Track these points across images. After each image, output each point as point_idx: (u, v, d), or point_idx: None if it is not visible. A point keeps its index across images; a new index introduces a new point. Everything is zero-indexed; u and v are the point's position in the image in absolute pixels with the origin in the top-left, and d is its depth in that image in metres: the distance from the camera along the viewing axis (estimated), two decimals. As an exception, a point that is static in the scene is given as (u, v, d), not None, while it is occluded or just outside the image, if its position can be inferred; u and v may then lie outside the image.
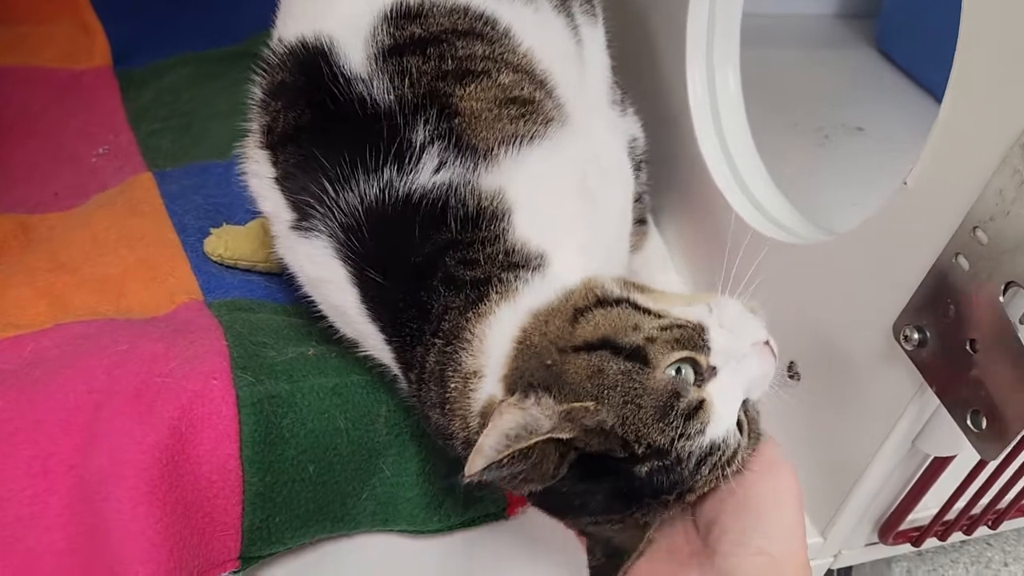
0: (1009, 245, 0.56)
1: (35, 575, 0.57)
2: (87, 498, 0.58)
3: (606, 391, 0.50)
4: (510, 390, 0.52)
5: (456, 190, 0.55)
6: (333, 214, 0.55)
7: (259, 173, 0.63)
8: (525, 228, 0.57)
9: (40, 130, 0.96)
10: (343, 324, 0.64)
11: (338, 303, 0.61)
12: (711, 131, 0.93)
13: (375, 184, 0.55)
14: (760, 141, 0.93)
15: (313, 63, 0.59)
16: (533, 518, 0.74)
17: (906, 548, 0.83)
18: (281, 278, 0.81)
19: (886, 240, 0.67)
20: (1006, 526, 0.84)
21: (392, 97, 0.56)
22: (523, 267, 0.57)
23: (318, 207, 0.56)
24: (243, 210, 0.84)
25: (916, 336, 0.64)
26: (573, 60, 0.72)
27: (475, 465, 0.47)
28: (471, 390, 0.54)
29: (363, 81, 0.57)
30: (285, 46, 0.62)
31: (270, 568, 0.67)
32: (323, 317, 0.68)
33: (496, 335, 0.55)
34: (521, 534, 0.72)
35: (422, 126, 0.56)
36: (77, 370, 0.62)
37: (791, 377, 0.79)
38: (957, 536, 0.99)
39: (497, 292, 0.55)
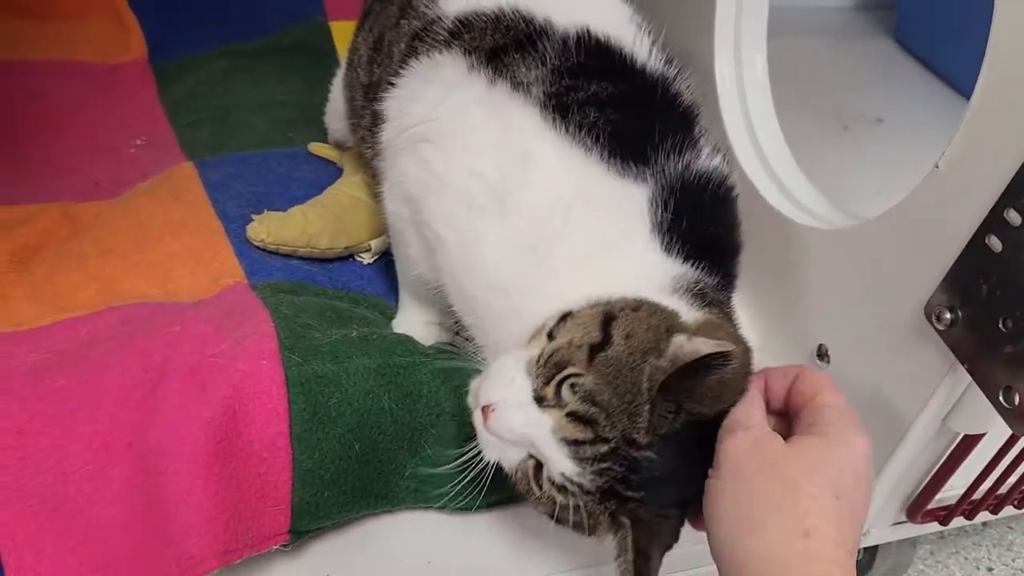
0: (1042, 224, 0.57)
1: (97, 548, 0.59)
2: (146, 473, 0.60)
3: None
4: None
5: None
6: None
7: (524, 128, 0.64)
8: None
9: (79, 122, 0.98)
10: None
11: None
12: (738, 116, 0.94)
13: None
14: (781, 130, 0.94)
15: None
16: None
17: (931, 528, 0.84)
18: (322, 263, 0.84)
19: (917, 223, 0.68)
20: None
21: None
22: None
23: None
24: (283, 198, 0.87)
25: (948, 316, 0.65)
26: None
27: None
28: None
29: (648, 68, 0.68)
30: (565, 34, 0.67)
31: (317, 542, 0.68)
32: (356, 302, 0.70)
33: None
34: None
35: None
36: (132, 351, 0.64)
37: (821, 359, 0.80)
38: (981, 517, 1.00)
39: None
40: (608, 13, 0.70)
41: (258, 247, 0.81)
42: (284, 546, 0.65)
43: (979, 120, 0.62)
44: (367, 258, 0.86)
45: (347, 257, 0.86)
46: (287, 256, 0.82)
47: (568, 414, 0.55)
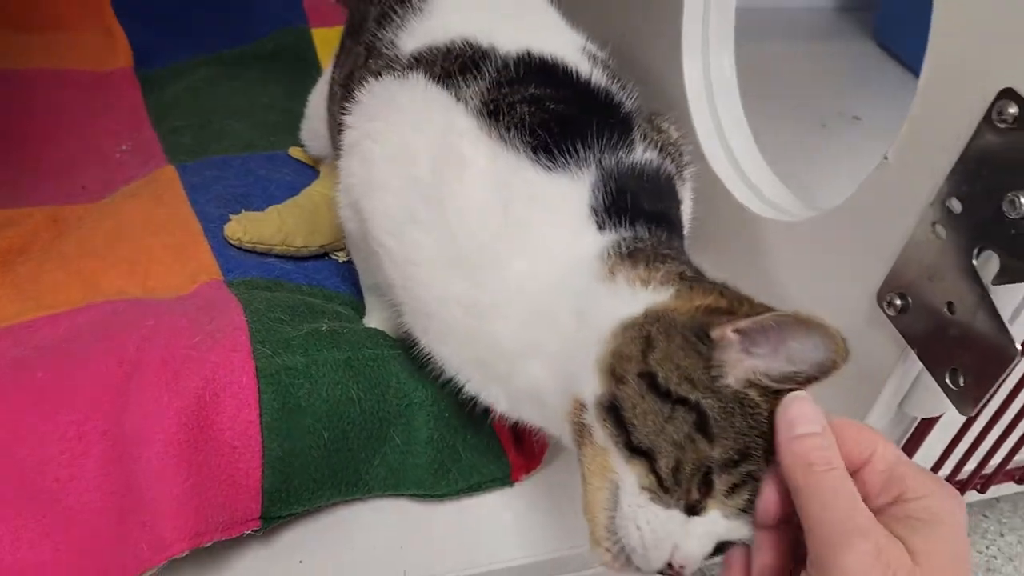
0: (981, 211, 0.59)
1: (73, 532, 0.61)
2: (120, 460, 0.62)
3: None
4: None
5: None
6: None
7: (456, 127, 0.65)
8: None
9: (67, 129, 1.01)
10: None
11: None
12: (707, 116, 0.97)
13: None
14: (761, 129, 0.96)
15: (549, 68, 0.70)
16: (537, 485, 0.78)
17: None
18: (297, 262, 0.86)
19: (869, 213, 0.70)
20: (997, 492, 0.87)
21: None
22: None
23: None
24: (262, 199, 0.89)
25: (898, 303, 0.67)
26: None
27: None
28: None
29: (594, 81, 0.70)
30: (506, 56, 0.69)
31: (290, 528, 0.71)
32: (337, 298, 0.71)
33: None
34: (525, 500, 0.76)
35: None
36: (108, 344, 0.67)
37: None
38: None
39: None
40: (554, 39, 0.72)
41: (235, 246, 0.84)
42: (256, 531, 0.67)
43: (923, 113, 0.64)
44: (341, 257, 0.88)
45: (322, 256, 0.88)
46: (263, 254, 0.84)
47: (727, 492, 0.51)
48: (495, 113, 0.65)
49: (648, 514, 0.51)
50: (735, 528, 0.52)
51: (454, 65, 0.69)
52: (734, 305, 0.55)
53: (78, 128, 1.01)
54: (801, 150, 1.25)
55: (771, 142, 0.96)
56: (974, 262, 0.60)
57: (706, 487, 0.51)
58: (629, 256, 0.60)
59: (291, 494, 0.68)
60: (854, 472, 0.48)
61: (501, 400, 0.65)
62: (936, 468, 0.79)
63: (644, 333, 0.54)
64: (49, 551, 0.61)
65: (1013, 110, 0.56)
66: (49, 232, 0.84)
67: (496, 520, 0.74)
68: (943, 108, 0.62)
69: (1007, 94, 0.57)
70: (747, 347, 0.52)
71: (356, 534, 0.72)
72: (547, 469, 0.79)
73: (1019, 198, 0.56)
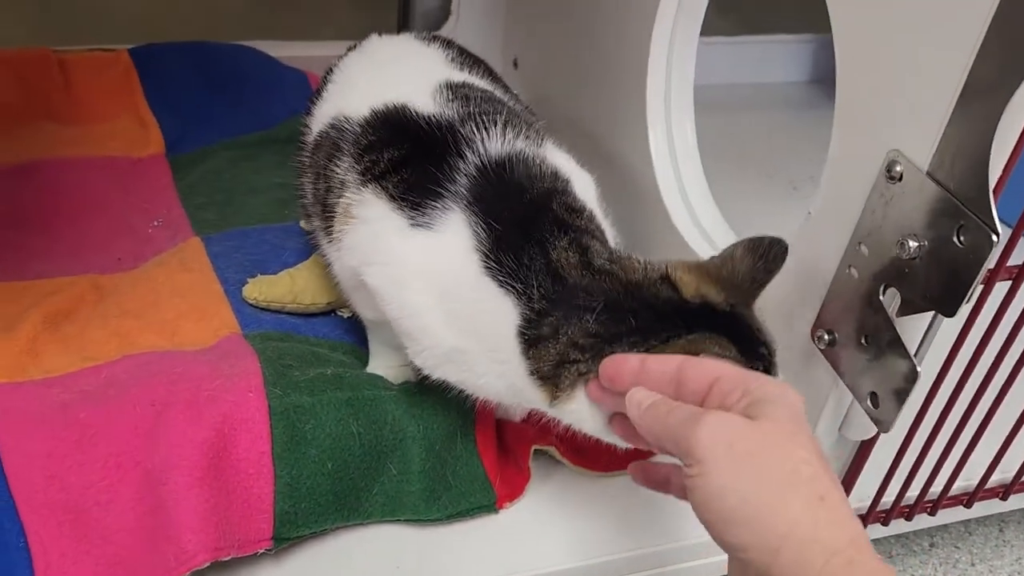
0: (883, 253, 0.69)
1: (111, 548, 0.71)
2: (150, 485, 0.72)
3: None
4: None
5: (533, 155, 0.76)
6: (461, 183, 0.72)
7: (365, 213, 0.75)
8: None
9: (106, 208, 1.14)
10: (444, 320, 0.72)
11: (450, 285, 0.71)
12: (672, 182, 1.08)
13: (477, 159, 0.73)
14: (738, 191, 1.07)
15: (395, 118, 0.79)
16: (520, 513, 0.86)
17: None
18: (306, 318, 0.97)
19: (800, 261, 0.80)
20: (953, 517, 0.95)
21: (456, 115, 0.77)
22: None
23: (448, 186, 0.72)
24: (276, 263, 1.01)
25: (827, 337, 0.77)
26: None
27: None
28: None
29: (435, 116, 0.77)
30: (359, 120, 0.80)
31: (299, 550, 0.79)
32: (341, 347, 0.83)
33: None
34: (508, 525, 0.85)
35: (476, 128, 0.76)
36: (142, 388, 0.77)
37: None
38: (925, 540, 1.09)
39: None
40: (403, 88, 0.81)
41: (252, 305, 0.95)
42: (268, 551, 0.76)
43: (834, 172, 0.75)
44: (346, 313, 0.99)
45: (328, 312, 0.99)
46: (276, 312, 0.96)
47: None
48: (375, 178, 0.75)
49: None
50: None
51: (322, 151, 0.82)
52: None
53: (115, 208, 1.14)
54: (774, 211, 1.35)
55: (746, 204, 1.06)
56: (881, 298, 0.70)
57: None
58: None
59: (299, 517, 0.77)
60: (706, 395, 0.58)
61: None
62: (880, 492, 0.87)
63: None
64: (90, 564, 0.71)
65: (900, 168, 0.67)
66: (92, 297, 0.96)
67: (482, 542, 0.83)
68: (849, 167, 0.73)
69: (895, 154, 0.68)
70: None
71: (358, 555, 0.80)
72: (528, 498, 0.87)
73: (908, 241, 0.66)
